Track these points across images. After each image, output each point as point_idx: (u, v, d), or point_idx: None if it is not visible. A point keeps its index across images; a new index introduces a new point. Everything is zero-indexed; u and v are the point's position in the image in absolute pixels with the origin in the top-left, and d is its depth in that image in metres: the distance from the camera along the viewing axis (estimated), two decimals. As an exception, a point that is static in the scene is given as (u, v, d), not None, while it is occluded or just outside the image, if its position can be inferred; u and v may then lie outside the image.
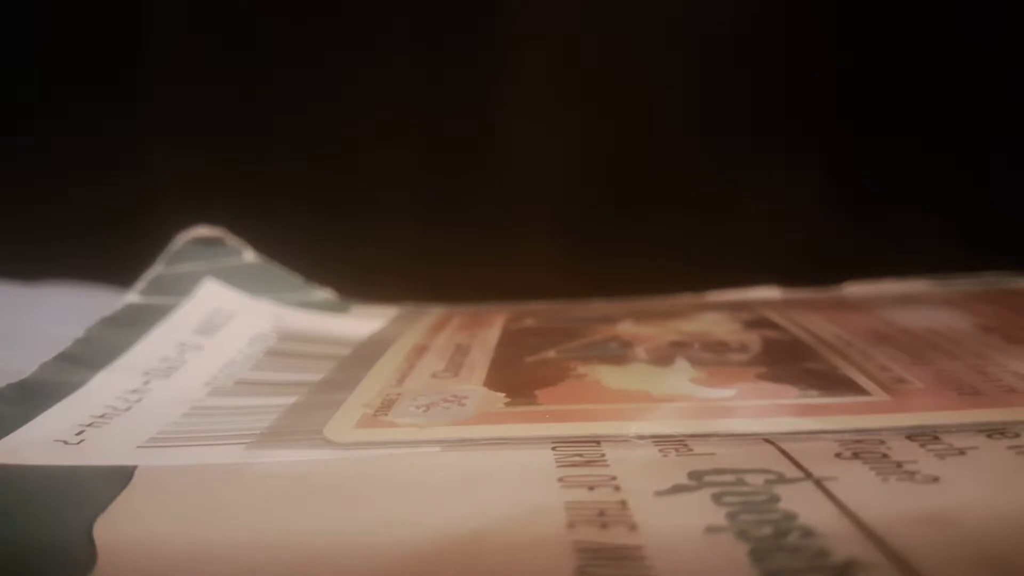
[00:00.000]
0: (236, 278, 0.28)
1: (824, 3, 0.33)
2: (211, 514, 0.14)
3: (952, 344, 0.21)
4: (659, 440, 0.16)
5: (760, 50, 0.33)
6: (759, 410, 0.17)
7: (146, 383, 0.21)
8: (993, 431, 0.16)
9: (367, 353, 0.23)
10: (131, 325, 0.24)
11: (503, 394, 0.19)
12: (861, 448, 0.15)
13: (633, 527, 0.12)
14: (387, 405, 0.18)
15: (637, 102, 0.34)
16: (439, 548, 0.12)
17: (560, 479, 0.14)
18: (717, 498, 0.13)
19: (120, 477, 0.15)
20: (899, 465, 0.14)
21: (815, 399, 0.18)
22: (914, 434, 0.16)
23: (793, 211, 0.33)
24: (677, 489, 0.14)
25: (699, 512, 0.13)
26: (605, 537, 0.12)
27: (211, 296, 0.27)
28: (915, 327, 0.23)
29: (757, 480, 0.14)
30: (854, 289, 0.29)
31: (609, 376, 0.20)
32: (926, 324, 0.23)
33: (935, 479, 0.14)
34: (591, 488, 0.14)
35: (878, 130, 0.33)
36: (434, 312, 0.28)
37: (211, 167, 0.34)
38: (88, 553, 0.12)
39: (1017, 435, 0.15)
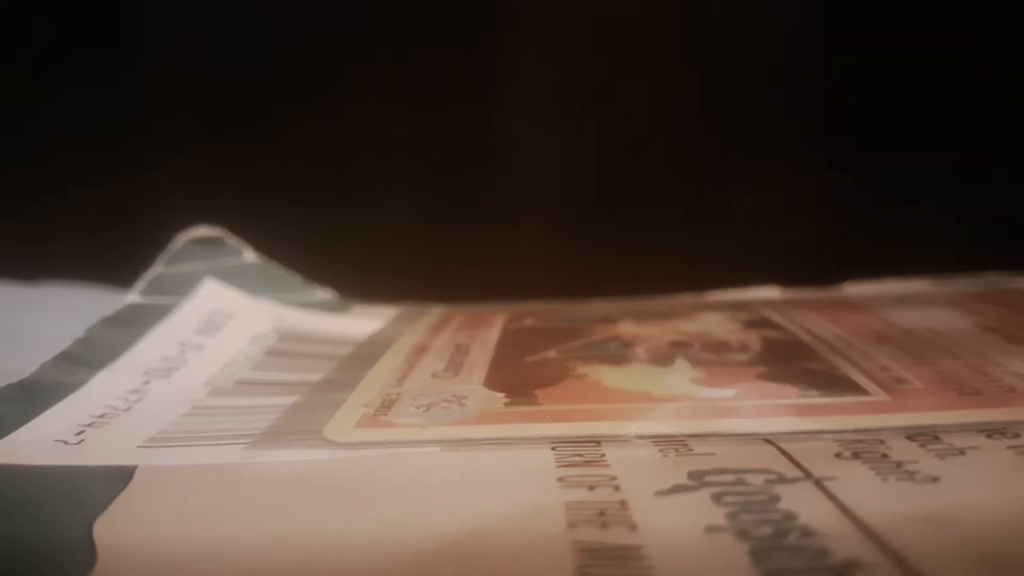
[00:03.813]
0: (236, 278, 0.28)
1: (824, 3, 0.33)
2: (211, 514, 0.14)
3: (952, 344, 0.21)
4: (659, 440, 0.16)
5: (760, 50, 0.33)
6: (759, 410, 0.17)
7: (146, 383, 0.21)
8: (993, 431, 0.16)
9: (367, 353, 0.23)
10: (131, 325, 0.24)
11: (503, 394, 0.19)
12: (861, 448, 0.15)
13: (633, 527, 0.12)
14: (387, 405, 0.18)
15: (637, 102, 0.34)
16: (439, 548, 0.12)
17: (560, 479, 0.14)
18: (717, 498, 0.13)
19: (120, 477, 0.15)
20: (899, 465, 0.14)
21: (815, 399, 0.18)
22: (914, 434, 0.16)
23: (793, 211, 0.33)
24: (677, 489, 0.14)
25: (699, 512, 0.13)
26: (605, 537, 0.12)
27: (211, 296, 0.27)
28: (915, 327, 0.23)
29: (757, 480, 0.14)
30: (854, 289, 0.29)
31: (609, 376, 0.20)
32: (926, 324, 0.23)
33: (935, 479, 0.14)
34: (591, 488, 0.14)
35: (878, 130, 0.33)
36: (434, 312, 0.28)
37: (211, 167, 0.34)
38: (88, 553, 0.12)
39: (1017, 435, 0.15)
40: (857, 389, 0.18)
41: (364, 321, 0.27)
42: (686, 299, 0.29)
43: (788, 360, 0.20)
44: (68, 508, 0.14)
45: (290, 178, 0.34)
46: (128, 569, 0.12)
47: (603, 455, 0.15)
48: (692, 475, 0.14)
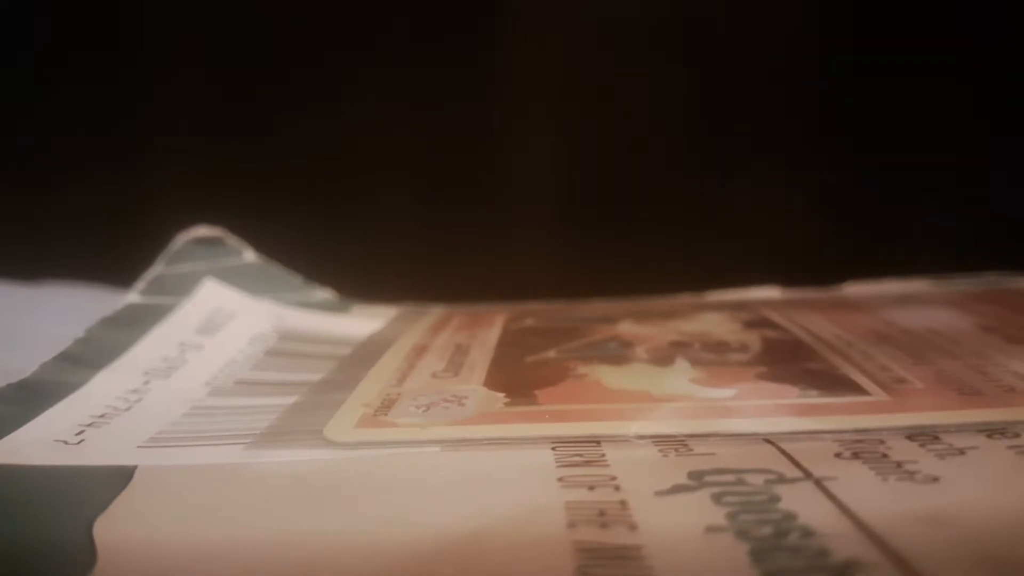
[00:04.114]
0: (236, 278, 0.28)
1: (824, 3, 0.33)
2: (211, 514, 0.14)
3: (952, 344, 0.21)
4: (659, 440, 0.16)
5: (760, 50, 0.33)
6: (759, 410, 0.17)
7: (146, 383, 0.21)
8: (993, 431, 0.16)
9: (367, 353, 0.23)
10: (131, 325, 0.24)
11: (503, 394, 0.19)
12: (861, 448, 0.15)
13: (633, 527, 0.12)
14: (387, 405, 0.18)
15: (637, 102, 0.34)
16: (439, 548, 0.12)
17: (560, 479, 0.14)
18: (717, 498, 0.13)
19: (120, 477, 0.15)
20: (899, 465, 0.14)
21: (815, 399, 0.18)
22: (914, 434, 0.16)
23: (793, 211, 0.33)
24: (677, 489, 0.14)
25: (699, 512, 0.13)
26: (605, 537, 0.12)
27: (211, 296, 0.27)
28: (915, 327, 0.23)
29: (757, 480, 0.14)
30: (854, 289, 0.29)
31: (609, 376, 0.20)
32: (926, 324, 0.23)
33: (935, 479, 0.14)
34: (591, 488, 0.14)
35: (878, 130, 0.33)
36: (434, 312, 0.28)
37: (211, 167, 0.34)
38: (88, 553, 0.12)
39: (1017, 435, 0.15)
40: (857, 389, 0.18)
41: (364, 321, 0.27)
42: (686, 299, 0.29)
43: (788, 360, 0.20)
44: (68, 508, 0.14)
45: (290, 178, 0.34)
46: (128, 569, 0.12)
47: (603, 455, 0.15)
48: (692, 475, 0.14)
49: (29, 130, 0.34)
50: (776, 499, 0.13)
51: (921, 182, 0.33)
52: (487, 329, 0.25)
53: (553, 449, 0.16)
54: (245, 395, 0.20)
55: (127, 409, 0.19)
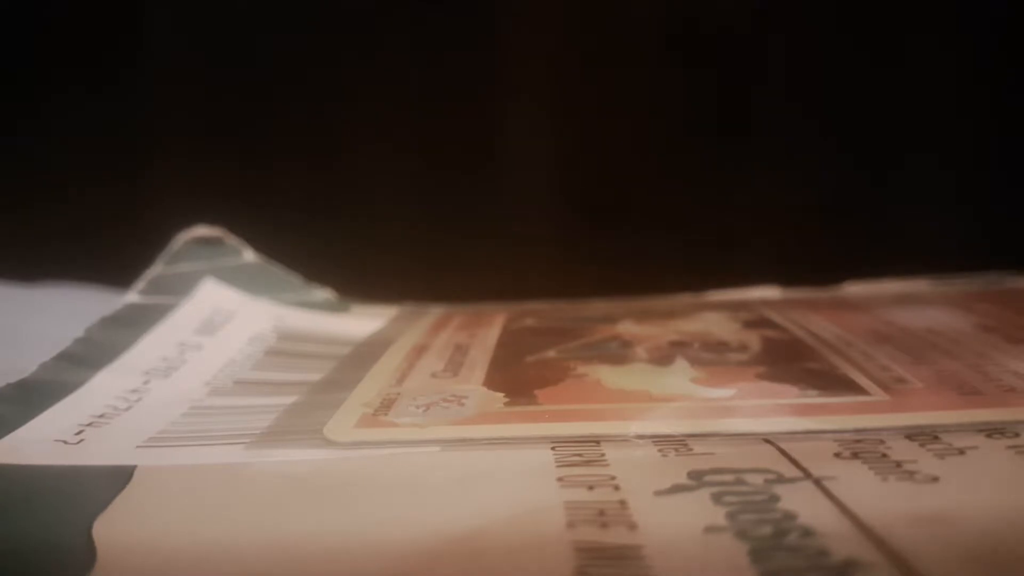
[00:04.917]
0: (236, 278, 0.28)
1: (824, 2, 0.33)
2: (211, 514, 0.14)
3: (952, 344, 0.21)
4: (659, 440, 0.16)
5: (759, 50, 0.33)
6: (759, 410, 0.17)
7: (146, 383, 0.21)
8: (993, 431, 0.16)
9: (367, 353, 0.23)
10: (131, 325, 0.24)
11: (503, 394, 0.19)
12: (861, 448, 0.15)
13: (633, 527, 0.12)
14: (387, 405, 0.18)
15: (636, 102, 0.34)
16: (439, 547, 0.12)
17: (560, 479, 0.14)
18: (717, 498, 0.13)
19: (120, 477, 0.15)
20: (899, 465, 0.14)
21: (815, 399, 0.18)
22: (914, 434, 0.16)
23: (792, 211, 0.33)
24: (677, 489, 0.14)
25: (699, 512, 0.13)
26: (605, 537, 0.12)
27: (211, 296, 0.27)
28: (915, 327, 0.23)
29: (757, 480, 0.14)
30: (854, 289, 0.29)
31: (609, 376, 0.20)
32: (926, 324, 0.23)
33: (935, 479, 0.14)
34: (591, 488, 0.14)
35: (878, 130, 0.33)
36: (434, 312, 0.28)
37: (211, 167, 0.34)
38: (88, 553, 0.12)
39: (1017, 435, 0.15)
40: (857, 389, 0.18)
41: (364, 321, 0.27)
42: (686, 299, 0.29)
43: (788, 360, 0.20)
44: (68, 508, 0.14)
45: (290, 178, 0.34)
46: (128, 569, 0.12)
47: (603, 455, 0.15)
48: (692, 475, 0.14)
49: (29, 130, 0.34)
50: (776, 499, 0.13)
51: (921, 182, 0.33)
52: (487, 329, 0.25)
53: (553, 449, 0.16)
54: (245, 395, 0.20)
55: (127, 409, 0.19)
